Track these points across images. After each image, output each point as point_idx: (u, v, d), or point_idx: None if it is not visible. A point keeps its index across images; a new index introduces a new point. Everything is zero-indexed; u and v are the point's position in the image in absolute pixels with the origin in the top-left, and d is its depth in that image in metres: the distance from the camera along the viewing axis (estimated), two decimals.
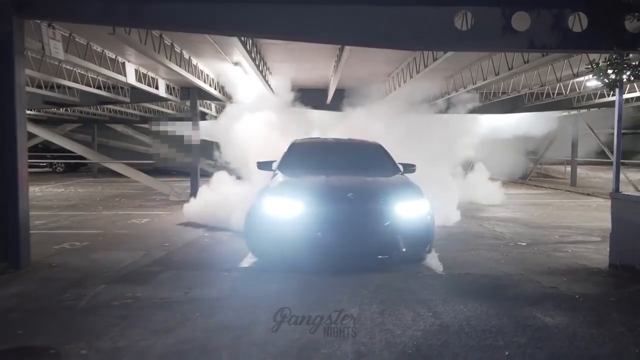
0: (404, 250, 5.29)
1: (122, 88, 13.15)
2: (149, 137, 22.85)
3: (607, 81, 5.22)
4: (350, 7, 5.33)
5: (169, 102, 15.93)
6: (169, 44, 8.30)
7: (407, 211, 5.36)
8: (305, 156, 6.88)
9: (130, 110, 18.91)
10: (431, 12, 5.40)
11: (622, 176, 15.32)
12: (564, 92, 11.84)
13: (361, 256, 5.35)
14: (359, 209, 5.30)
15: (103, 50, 9.05)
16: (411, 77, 9.74)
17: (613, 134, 6.12)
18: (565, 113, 16.41)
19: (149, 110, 19.56)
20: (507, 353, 3.36)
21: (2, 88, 5.22)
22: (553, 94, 12.50)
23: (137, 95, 13.68)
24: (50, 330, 3.69)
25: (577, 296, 4.60)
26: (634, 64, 5.20)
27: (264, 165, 6.78)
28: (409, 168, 6.72)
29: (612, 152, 15.06)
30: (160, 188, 13.47)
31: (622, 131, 5.96)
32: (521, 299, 4.51)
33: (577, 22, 5.41)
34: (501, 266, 5.83)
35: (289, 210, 5.25)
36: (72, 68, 10.34)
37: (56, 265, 5.65)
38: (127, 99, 13.86)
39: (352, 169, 6.30)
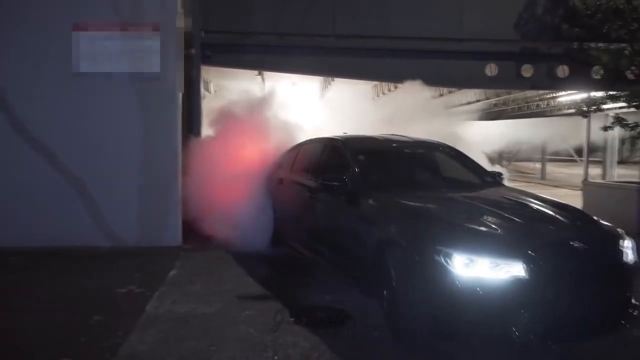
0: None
1: None
2: None
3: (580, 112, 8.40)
4: (418, 61, 8.21)
5: None
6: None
7: (628, 252, 3.72)
8: (377, 168, 5.16)
9: None
10: (470, 64, 8.35)
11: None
12: (541, 105, 15.15)
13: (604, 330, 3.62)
14: (596, 259, 3.56)
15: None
16: None
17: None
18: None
19: None
20: None
21: (196, 112, 7.87)
22: (531, 106, 15.77)
23: None
24: None
25: None
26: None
27: (336, 184, 4.71)
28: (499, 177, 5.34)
29: (575, 153, 18.51)
30: None
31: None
32: None
33: (562, 71, 8.45)
34: None
35: (496, 273, 3.28)
36: None
37: None
38: None
39: (452, 187, 4.97)
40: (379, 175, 5.07)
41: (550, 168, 24.82)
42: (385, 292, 3.96)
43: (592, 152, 16.63)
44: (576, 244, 3.59)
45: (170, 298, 4.91)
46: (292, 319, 4.34)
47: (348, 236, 4.57)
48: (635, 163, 19.05)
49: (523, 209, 4.20)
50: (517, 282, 3.28)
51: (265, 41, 8.03)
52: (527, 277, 3.28)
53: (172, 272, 5.77)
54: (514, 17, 8.23)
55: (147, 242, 6.77)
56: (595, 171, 19.87)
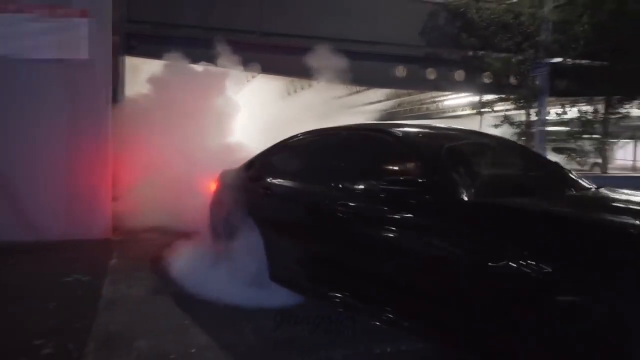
0: None
1: None
2: None
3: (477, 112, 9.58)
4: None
5: None
6: None
7: None
8: (466, 167, 3.43)
9: None
10: (382, 66, 9.14)
11: None
12: (432, 107, 16.64)
13: None
14: None
15: None
16: None
17: None
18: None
19: None
20: None
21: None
22: (422, 108, 17.25)
23: None
24: None
25: None
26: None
27: (410, 189, 3.11)
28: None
29: None
30: None
31: None
32: None
33: (459, 75, 9.56)
34: None
35: None
36: None
37: None
38: None
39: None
40: (473, 176, 3.32)
41: None
42: None
43: None
44: None
45: (124, 283, 4.92)
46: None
47: (439, 270, 2.91)
48: None
49: None
50: None
51: (191, 34, 8.11)
52: None
53: (113, 261, 5.71)
54: (420, 25, 9.17)
55: (74, 235, 6.53)
56: None
